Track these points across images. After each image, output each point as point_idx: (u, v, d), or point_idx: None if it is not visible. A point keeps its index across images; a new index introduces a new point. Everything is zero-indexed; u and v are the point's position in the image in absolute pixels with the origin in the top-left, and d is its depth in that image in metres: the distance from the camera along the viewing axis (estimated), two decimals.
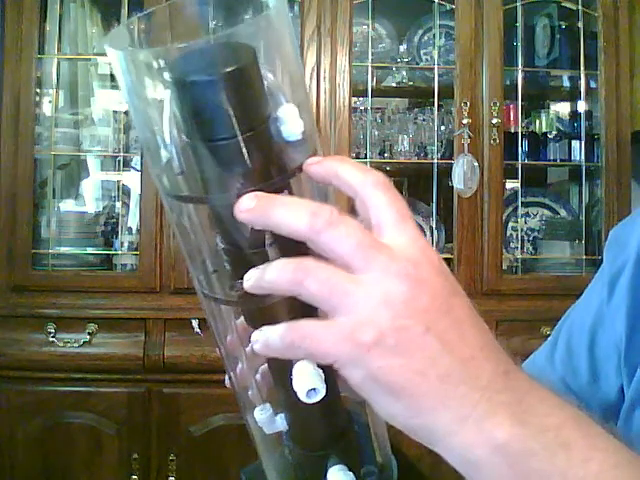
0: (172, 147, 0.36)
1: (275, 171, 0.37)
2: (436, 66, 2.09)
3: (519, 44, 2.10)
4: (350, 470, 0.41)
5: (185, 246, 0.39)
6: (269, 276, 0.34)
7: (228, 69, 0.33)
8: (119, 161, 2.04)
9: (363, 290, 0.34)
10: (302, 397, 0.35)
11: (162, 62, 0.35)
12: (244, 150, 0.34)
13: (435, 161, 2.04)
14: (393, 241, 0.36)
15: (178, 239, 0.39)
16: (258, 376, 0.43)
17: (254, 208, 0.34)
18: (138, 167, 1.99)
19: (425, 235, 2.17)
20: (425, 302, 0.34)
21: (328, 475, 0.41)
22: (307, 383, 0.35)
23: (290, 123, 0.36)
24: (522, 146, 2.11)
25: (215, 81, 0.33)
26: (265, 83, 0.36)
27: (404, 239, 0.36)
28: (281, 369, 0.39)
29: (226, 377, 0.43)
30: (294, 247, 0.35)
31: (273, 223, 0.34)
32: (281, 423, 0.42)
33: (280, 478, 0.45)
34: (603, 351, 0.64)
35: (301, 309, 0.36)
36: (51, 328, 1.84)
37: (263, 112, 0.36)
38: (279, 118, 0.36)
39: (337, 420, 0.42)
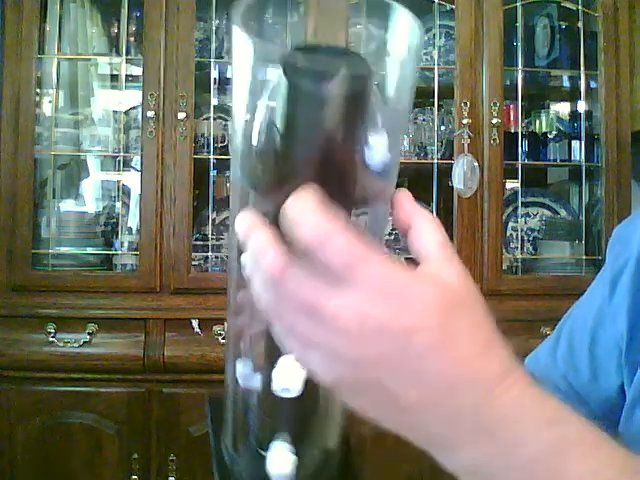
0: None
1: (350, 193, 0.37)
2: (436, 66, 2.09)
3: (519, 44, 2.10)
4: (295, 447, 0.41)
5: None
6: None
7: (347, 89, 0.34)
8: (119, 161, 2.04)
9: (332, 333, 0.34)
10: (277, 390, 0.36)
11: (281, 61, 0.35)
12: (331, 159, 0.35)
13: (435, 161, 2.04)
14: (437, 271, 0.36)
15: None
16: (255, 331, 0.42)
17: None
18: (138, 167, 1.99)
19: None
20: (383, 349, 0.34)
21: (271, 446, 0.42)
22: (284, 382, 0.35)
23: (377, 151, 0.37)
24: (522, 146, 2.11)
25: (327, 97, 0.34)
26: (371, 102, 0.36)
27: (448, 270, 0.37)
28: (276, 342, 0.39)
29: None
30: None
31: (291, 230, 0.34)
32: (256, 382, 0.43)
33: (232, 426, 0.48)
34: (604, 349, 0.64)
35: None
36: (51, 328, 1.84)
37: (361, 131, 0.36)
38: (369, 143, 0.37)
39: (304, 403, 0.42)
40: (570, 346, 0.68)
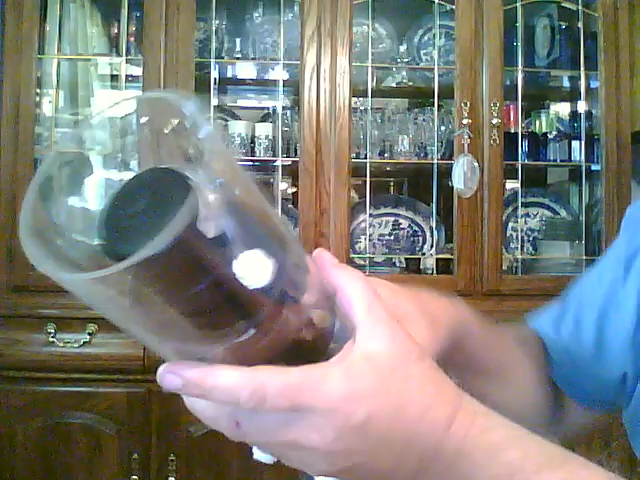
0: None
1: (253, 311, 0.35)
2: (436, 66, 2.09)
3: (519, 44, 2.10)
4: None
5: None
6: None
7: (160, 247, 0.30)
8: (119, 161, 2.04)
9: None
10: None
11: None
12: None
13: (435, 161, 2.04)
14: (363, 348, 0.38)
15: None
16: None
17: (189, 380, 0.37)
18: (137, 168, 1.99)
19: (425, 238, 2.18)
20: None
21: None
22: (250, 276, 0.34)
23: (250, 276, 0.34)
24: (522, 146, 2.11)
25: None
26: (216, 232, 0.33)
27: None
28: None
29: None
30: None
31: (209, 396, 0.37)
32: None
33: None
34: (613, 331, 0.63)
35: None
36: (51, 328, 1.84)
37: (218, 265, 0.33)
38: (236, 274, 0.33)
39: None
40: (577, 320, 0.67)
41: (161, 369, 0.37)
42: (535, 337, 0.69)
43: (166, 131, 0.37)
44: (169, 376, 0.37)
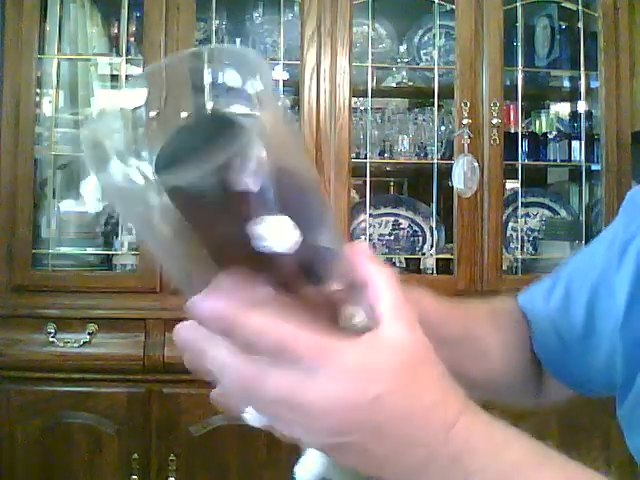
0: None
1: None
2: (436, 66, 2.09)
3: (519, 44, 2.10)
4: None
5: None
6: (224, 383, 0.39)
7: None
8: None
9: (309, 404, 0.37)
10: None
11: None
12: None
13: (435, 161, 2.04)
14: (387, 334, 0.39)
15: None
16: None
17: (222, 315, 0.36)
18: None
19: (425, 238, 2.18)
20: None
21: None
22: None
23: (270, 239, 0.35)
24: (522, 146, 2.11)
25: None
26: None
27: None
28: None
29: None
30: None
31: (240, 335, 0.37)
32: None
33: None
34: (603, 316, 0.63)
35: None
36: (51, 328, 1.84)
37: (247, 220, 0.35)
38: (259, 234, 0.35)
39: None
40: (566, 298, 0.67)
41: (192, 299, 0.37)
42: (515, 310, 0.69)
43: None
44: (202, 304, 0.37)
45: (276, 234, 0.35)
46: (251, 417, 0.39)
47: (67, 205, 2.13)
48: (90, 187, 2.15)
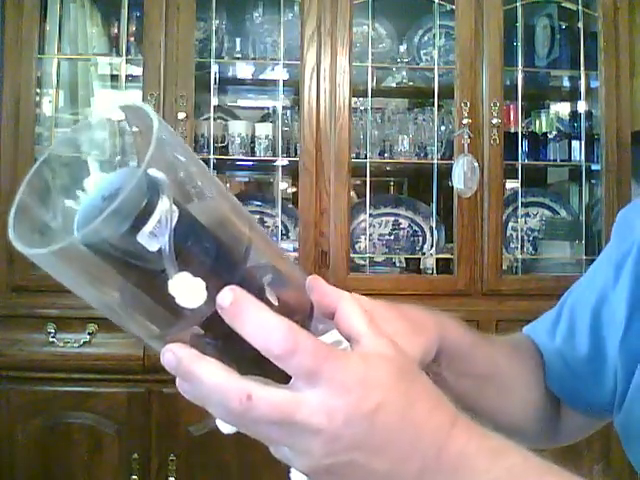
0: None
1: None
2: (436, 66, 2.09)
3: (519, 44, 2.10)
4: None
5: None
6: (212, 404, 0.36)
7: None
8: (119, 161, 2.04)
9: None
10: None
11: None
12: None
13: (435, 161, 2.04)
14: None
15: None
16: None
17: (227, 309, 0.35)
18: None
19: (425, 238, 2.18)
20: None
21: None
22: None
23: (182, 297, 0.34)
24: (522, 146, 2.11)
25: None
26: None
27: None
28: None
29: None
30: None
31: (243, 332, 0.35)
32: None
33: None
34: (607, 334, 0.64)
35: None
36: (51, 328, 1.84)
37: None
38: (170, 292, 0.34)
39: None
40: (570, 325, 0.68)
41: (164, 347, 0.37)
42: (529, 343, 0.70)
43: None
44: (168, 354, 0.36)
45: (183, 292, 0.34)
46: (222, 424, 0.38)
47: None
48: (90, 187, 2.15)
